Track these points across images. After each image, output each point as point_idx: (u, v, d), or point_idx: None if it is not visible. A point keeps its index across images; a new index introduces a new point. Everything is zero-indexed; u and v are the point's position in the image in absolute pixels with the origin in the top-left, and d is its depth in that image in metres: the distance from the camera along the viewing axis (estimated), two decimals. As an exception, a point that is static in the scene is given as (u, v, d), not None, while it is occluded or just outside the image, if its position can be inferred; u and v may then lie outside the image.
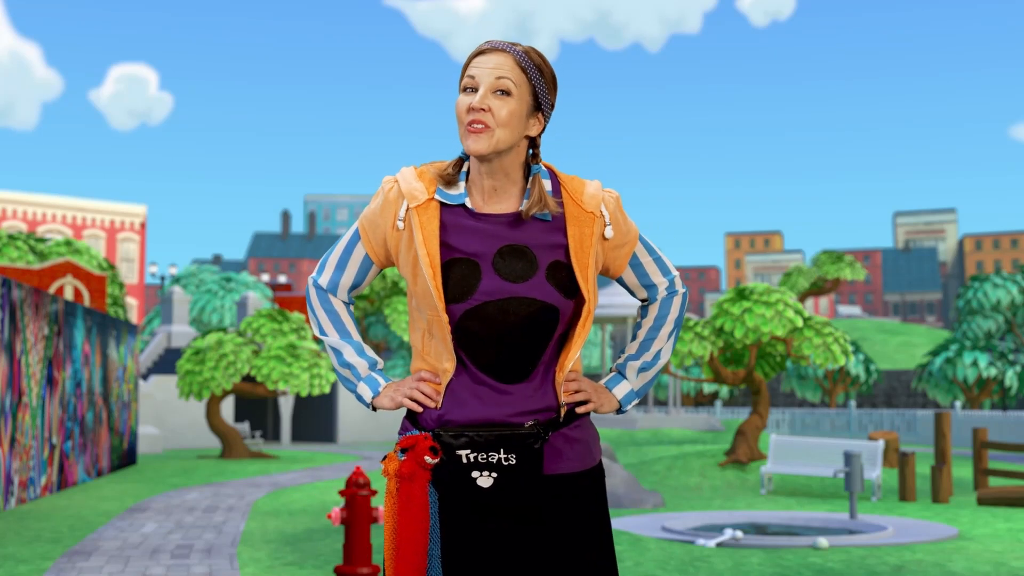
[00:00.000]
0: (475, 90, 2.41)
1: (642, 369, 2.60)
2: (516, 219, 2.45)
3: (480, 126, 2.38)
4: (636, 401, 2.62)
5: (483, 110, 2.38)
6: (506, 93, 2.40)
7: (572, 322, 2.46)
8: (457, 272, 2.40)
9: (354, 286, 2.58)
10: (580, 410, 2.49)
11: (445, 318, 2.39)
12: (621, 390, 2.59)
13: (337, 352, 2.54)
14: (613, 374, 2.62)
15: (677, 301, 2.62)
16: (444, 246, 2.42)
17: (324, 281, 2.58)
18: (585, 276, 2.44)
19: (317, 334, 2.60)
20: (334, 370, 2.73)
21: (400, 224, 2.45)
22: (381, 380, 2.55)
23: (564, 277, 2.43)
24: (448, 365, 2.43)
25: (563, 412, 2.47)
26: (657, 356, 2.61)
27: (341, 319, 2.57)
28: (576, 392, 2.48)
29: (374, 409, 2.57)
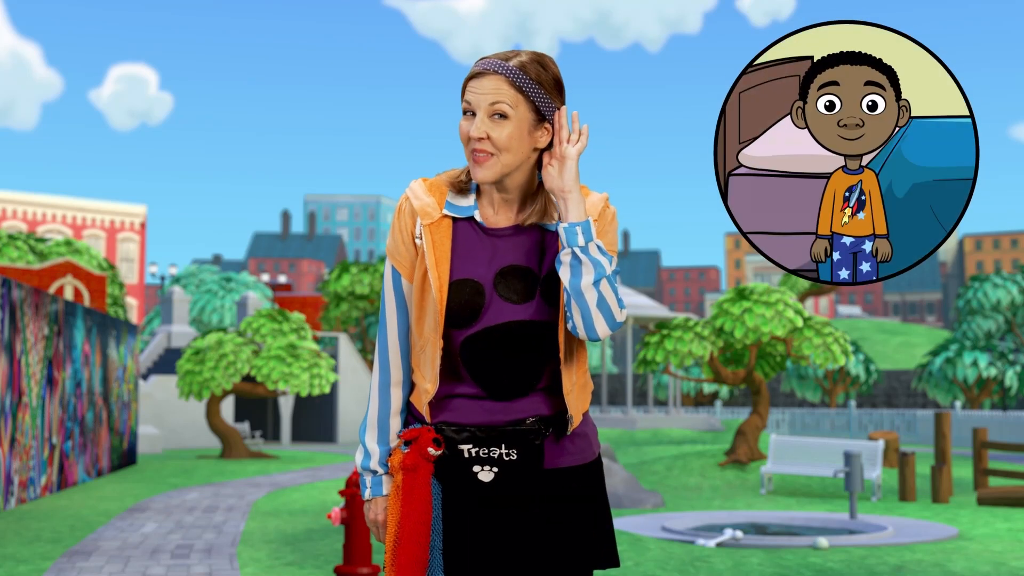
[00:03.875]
0: (474, 114, 2.41)
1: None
2: (522, 231, 2.48)
3: (483, 155, 2.39)
4: (576, 242, 2.36)
5: (481, 139, 2.39)
6: (503, 116, 2.39)
7: (568, 337, 2.47)
8: (462, 295, 2.42)
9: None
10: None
11: (441, 343, 2.43)
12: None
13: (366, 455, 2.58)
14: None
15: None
16: (452, 266, 2.45)
17: (392, 351, 2.55)
18: None
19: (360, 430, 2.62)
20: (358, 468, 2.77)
21: (419, 241, 2.47)
22: (382, 487, 2.57)
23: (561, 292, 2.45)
24: (430, 387, 2.46)
25: (572, 423, 2.49)
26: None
27: (388, 420, 2.57)
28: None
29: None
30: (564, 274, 2.37)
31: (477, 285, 2.42)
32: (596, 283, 2.37)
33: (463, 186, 2.49)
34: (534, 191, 2.50)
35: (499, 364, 2.42)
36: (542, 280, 2.45)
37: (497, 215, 2.49)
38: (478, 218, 2.48)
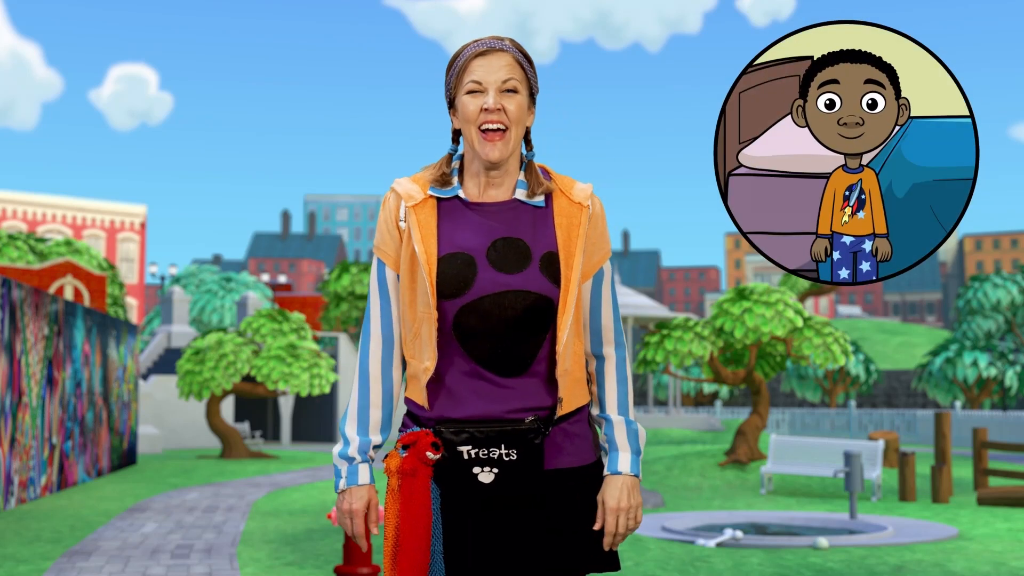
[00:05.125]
0: (482, 93, 2.46)
1: (631, 434, 2.56)
2: (510, 207, 2.50)
3: (495, 133, 2.44)
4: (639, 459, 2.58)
5: (498, 110, 2.44)
6: (514, 92, 2.46)
7: (567, 321, 2.47)
8: (453, 267, 2.43)
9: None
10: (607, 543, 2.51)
11: (435, 315, 2.42)
12: (625, 463, 2.54)
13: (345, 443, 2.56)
14: (607, 452, 2.57)
15: (628, 367, 2.62)
16: (440, 240, 2.46)
17: (374, 342, 2.54)
18: (570, 264, 2.46)
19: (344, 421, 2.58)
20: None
21: (402, 224, 2.49)
22: (359, 476, 2.53)
23: (557, 268, 2.46)
24: (429, 363, 2.45)
25: (561, 405, 2.48)
26: (632, 420, 2.60)
27: (368, 411, 2.56)
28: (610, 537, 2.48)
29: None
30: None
31: (467, 256, 2.43)
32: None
33: (446, 178, 2.52)
34: (518, 172, 2.55)
35: (493, 334, 2.41)
36: (536, 254, 2.46)
37: (482, 195, 2.52)
38: (463, 195, 2.51)
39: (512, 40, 2.51)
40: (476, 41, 2.48)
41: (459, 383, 2.45)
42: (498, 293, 2.41)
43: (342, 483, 2.53)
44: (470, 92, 2.46)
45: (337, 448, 2.55)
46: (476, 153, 2.47)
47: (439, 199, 2.51)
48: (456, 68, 2.48)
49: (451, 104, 2.53)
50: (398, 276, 2.53)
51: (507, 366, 2.43)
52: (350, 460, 2.53)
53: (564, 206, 2.51)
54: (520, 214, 2.49)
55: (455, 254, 2.44)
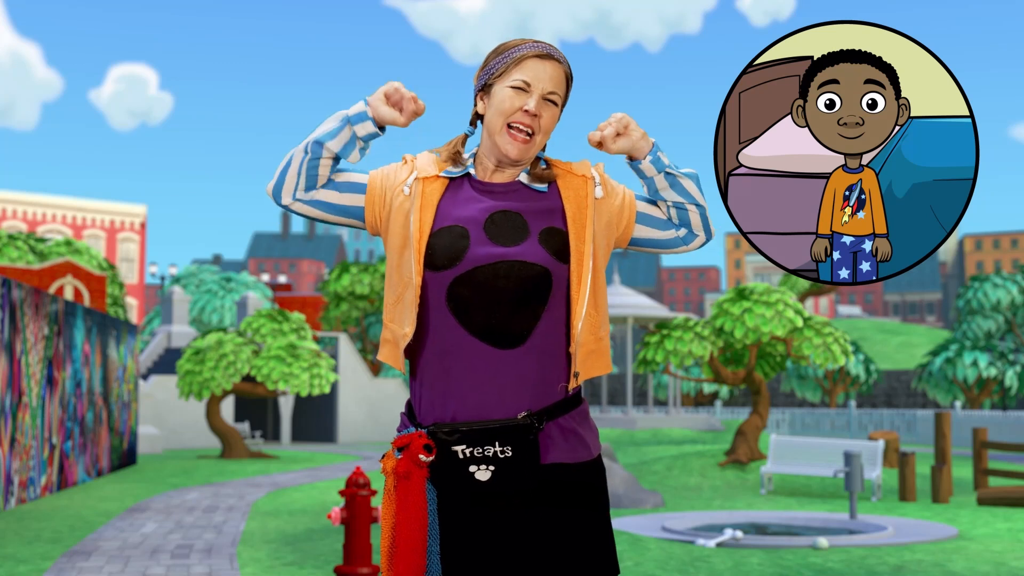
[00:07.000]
0: (526, 94, 2.48)
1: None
2: (513, 187, 2.53)
3: (524, 135, 2.48)
4: (663, 164, 2.55)
5: (536, 116, 2.48)
6: (553, 103, 2.51)
7: (570, 288, 2.48)
8: (447, 239, 2.45)
9: (327, 207, 2.56)
10: (614, 145, 2.52)
11: (418, 280, 2.43)
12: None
13: (320, 134, 2.52)
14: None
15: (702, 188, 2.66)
16: (439, 214, 2.49)
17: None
18: (582, 236, 2.47)
19: (304, 150, 2.52)
20: (322, 146, 2.52)
21: (406, 189, 2.51)
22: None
23: (558, 242, 2.47)
24: (408, 330, 2.45)
25: (577, 378, 2.47)
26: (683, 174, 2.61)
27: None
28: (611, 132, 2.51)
29: (373, 121, 2.51)
30: (670, 194, 2.58)
31: (462, 228, 2.45)
32: (699, 184, 2.61)
33: (459, 156, 2.55)
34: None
35: (487, 305, 2.41)
36: (535, 228, 2.47)
37: (488, 179, 2.55)
38: (473, 173, 2.55)
39: (563, 54, 2.57)
40: (535, 42, 2.51)
41: (454, 356, 2.43)
42: (492, 264, 2.41)
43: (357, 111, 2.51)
44: (515, 88, 2.47)
45: (344, 116, 2.52)
46: (495, 145, 2.49)
47: (450, 179, 2.55)
48: (508, 59, 2.50)
49: (482, 88, 2.54)
50: (361, 208, 2.55)
51: (503, 338, 2.41)
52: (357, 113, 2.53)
53: (569, 181, 2.54)
54: (523, 193, 2.52)
55: (450, 227, 2.46)
